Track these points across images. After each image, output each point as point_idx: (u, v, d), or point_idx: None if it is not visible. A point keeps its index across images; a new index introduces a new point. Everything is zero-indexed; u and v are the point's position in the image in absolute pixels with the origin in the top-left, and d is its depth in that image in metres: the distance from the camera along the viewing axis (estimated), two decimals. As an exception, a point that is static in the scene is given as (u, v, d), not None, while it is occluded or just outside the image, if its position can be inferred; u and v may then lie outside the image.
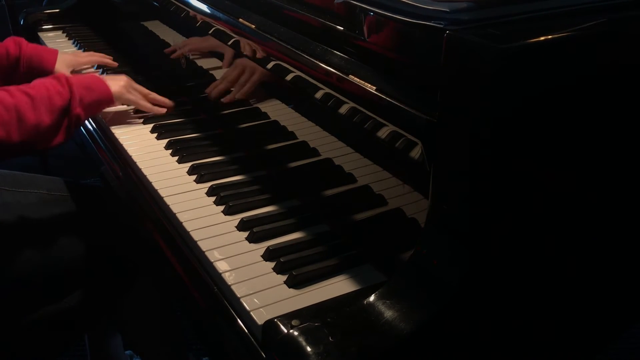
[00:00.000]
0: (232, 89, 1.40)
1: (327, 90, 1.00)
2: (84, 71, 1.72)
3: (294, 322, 0.81)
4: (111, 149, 1.38)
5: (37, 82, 1.24)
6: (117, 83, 1.39)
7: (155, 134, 1.38)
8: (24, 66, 1.55)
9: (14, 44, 1.54)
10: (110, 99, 1.36)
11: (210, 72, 1.47)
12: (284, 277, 0.93)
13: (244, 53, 1.22)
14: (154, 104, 1.46)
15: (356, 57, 0.97)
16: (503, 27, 0.77)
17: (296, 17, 1.11)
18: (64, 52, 1.70)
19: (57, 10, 2.14)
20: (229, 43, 1.27)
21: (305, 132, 1.20)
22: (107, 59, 1.75)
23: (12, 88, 1.20)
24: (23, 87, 1.21)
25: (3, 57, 1.53)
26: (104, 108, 1.40)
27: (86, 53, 1.80)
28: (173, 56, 1.66)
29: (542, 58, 0.74)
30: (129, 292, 1.40)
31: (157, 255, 1.12)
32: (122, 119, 1.44)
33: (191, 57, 1.54)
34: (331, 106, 0.99)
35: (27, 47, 1.56)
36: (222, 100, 1.43)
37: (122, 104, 1.43)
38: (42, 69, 1.58)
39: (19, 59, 1.54)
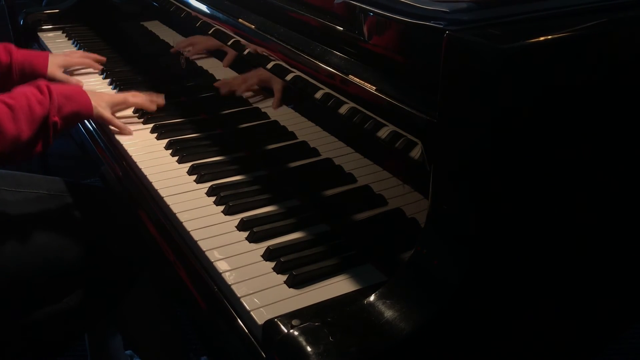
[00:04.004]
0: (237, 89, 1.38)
1: (327, 90, 1.00)
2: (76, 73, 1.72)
3: (294, 322, 0.81)
4: (111, 149, 1.38)
5: (18, 91, 1.22)
6: (100, 98, 1.38)
7: (155, 134, 1.38)
8: (17, 74, 1.54)
9: (4, 52, 1.53)
10: (89, 112, 1.34)
11: (210, 72, 1.47)
12: (284, 277, 0.93)
13: (244, 53, 1.22)
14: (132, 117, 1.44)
15: (356, 58, 0.97)
16: (503, 27, 0.77)
17: (296, 17, 1.11)
18: (55, 54, 1.70)
19: (57, 10, 2.14)
20: (229, 43, 1.27)
21: (305, 132, 1.20)
22: (96, 64, 1.75)
23: None
24: (3, 96, 1.19)
25: None
26: (82, 120, 1.41)
27: (79, 53, 1.80)
28: (173, 50, 1.65)
29: (542, 58, 0.74)
30: (129, 292, 1.40)
31: (157, 255, 1.12)
32: (121, 119, 1.44)
33: (191, 57, 1.54)
34: (331, 106, 0.99)
35: (18, 54, 1.55)
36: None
37: (100, 119, 1.40)
38: (35, 75, 1.57)
39: (10, 67, 1.53)
